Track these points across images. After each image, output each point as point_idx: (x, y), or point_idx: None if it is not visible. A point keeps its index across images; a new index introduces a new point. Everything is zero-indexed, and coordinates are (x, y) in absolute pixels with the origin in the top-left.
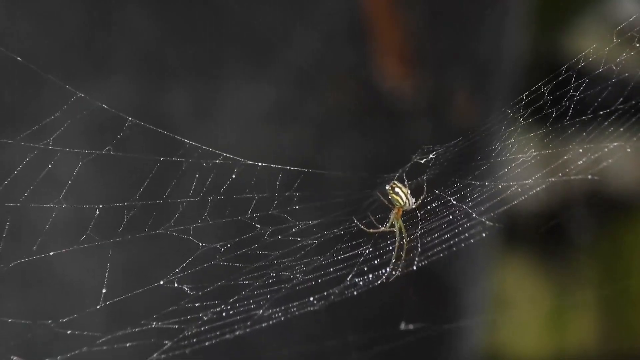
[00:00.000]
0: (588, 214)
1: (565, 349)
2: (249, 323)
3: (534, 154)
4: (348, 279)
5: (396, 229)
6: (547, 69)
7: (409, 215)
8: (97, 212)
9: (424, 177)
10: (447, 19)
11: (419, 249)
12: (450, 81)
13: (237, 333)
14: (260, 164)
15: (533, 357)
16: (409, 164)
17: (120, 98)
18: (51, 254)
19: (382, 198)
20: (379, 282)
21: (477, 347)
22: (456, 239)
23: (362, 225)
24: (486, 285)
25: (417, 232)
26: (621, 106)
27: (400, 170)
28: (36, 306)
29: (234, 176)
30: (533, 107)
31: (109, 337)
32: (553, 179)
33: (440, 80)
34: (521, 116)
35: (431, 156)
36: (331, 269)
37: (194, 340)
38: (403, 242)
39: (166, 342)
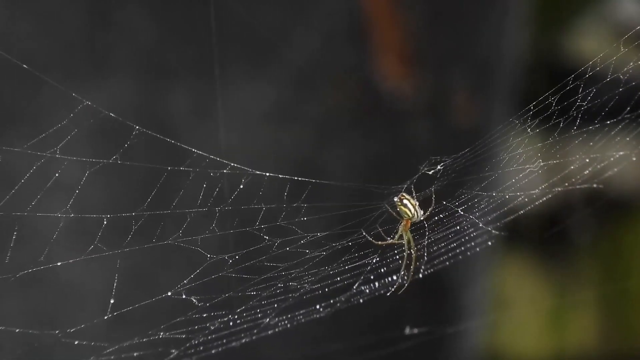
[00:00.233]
0: (588, 214)
1: (565, 349)
2: (255, 331)
3: (542, 164)
4: (354, 287)
5: (404, 241)
6: (547, 69)
7: (416, 226)
8: (105, 222)
9: (432, 189)
10: (447, 19)
11: (425, 258)
12: (450, 81)
13: (243, 341)
14: (267, 174)
15: (533, 357)
16: (416, 176)
17: (120, 98)
18: (59, 264)
19: (390, 210)
20: (389, 293)
21: (477, 347)
22: (462, 248)
23: (370, 237)
24: (486, 286)
25: (424, 242)
26: (628, 115)
27: (408, 182)
28: (43, 316)
29: (241, 186)
30: (541, 117)
31: (116, 347)
32: (560, 189)
33: (440, 80)
34: (529, 127)
35: (439, 167)
36: (338, 278)
37: (201, 348)
38: (412, 254)
39: (173, 350)
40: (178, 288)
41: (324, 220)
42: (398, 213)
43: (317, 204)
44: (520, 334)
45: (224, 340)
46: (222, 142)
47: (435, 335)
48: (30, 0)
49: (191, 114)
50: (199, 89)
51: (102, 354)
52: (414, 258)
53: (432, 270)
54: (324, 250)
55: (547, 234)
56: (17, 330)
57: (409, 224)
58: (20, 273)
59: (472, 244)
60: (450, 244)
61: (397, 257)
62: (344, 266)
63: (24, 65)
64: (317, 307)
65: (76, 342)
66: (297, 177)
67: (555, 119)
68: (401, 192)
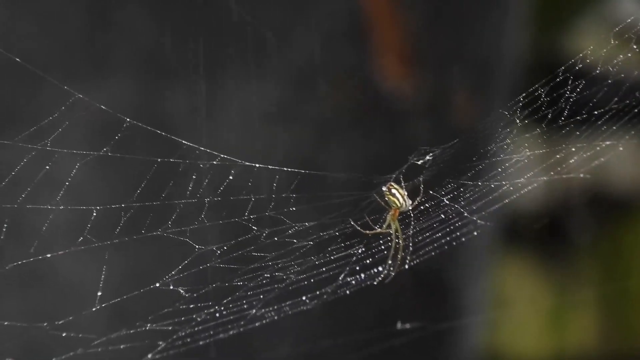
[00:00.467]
0: (588, 214)
1: (565, 349)
2: (242, 323)
3: (528, 153)
4: (340, 278)
5: (392, 231)
6: (547, 69)
7: (402, 216)
8: (95, 214)
9: (421, 179)
10: (447, 19)
11: (411, 248)
12: (450, 81)
13: (230, 333)
14: (257, 165)
15: (533, 357)
16: (405, 165)
17: (120, 98)
18: (48, 255)
19: (378, 199)
20: (376, 283)
21: (477, 346)
22: (448, 238)
23: (358, 226)
24: (486, 285)
25: (409, 232)
26: (615, 106)
27: (397, 172)
28: (32, 308)
29: (231, 177)
30: (530, 109)
31: (104, 339)
32: (545, 178)
33: (440, 80)
34: (518, 118)
35: (428, 157)
36: (324, 269)
37: (188, 340)
38: (399, 244)
39: (160, 342)
40: (166, 279)
41: (314, 211)
42: (386, 202)
43: (307, 194)
44: (520, 334)
45: (211, 332)
46: (222, 142)
47: (435, 335)
48: (30, 0)
49: (191, 114)
50: (199, 89)
51: (90, 345)
52: (401, 247)
53: (417, 260)
54: (311, 240)
55: (538, 225)
56: (5, 323)
57: (397, 213)
58: (10, 265)
59: (458, 233)
60: (435, 233)
61: (383, 247)
62: (330, 256)
63: (17, 59)
64: (304, 298)
65: (64, 334)
66: (300, 182)
67: (544, 110)
68: (390, 181)
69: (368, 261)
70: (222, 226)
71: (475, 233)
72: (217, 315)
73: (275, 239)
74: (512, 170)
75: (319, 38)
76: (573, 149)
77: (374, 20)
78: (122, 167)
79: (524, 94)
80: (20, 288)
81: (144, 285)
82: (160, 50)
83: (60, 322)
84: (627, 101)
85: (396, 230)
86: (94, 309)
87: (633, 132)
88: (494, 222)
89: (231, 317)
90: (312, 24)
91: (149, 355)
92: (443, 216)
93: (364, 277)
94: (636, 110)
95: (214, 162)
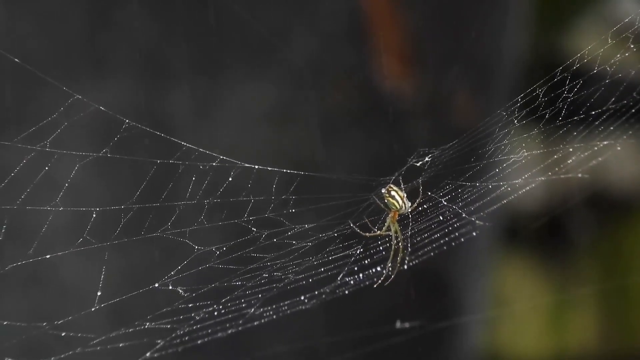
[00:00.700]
0: (588, 214)
1: (565, 349)
2: (240, 322)
3: (525, 154)
4: (339, 279)
5: (392, 232)
6: (547, 69)
7: (401, 217)
8: (94, 215)
9: (420, 180)
10: (447, 19)
11: (409, 249)
12: (450, 81)
13: (229, 332)
14: (256, 166)
15: (533, 357)
16: (405, 167)
17: (120, 98)
18: (48, 256)
19: (377, 201)
20: (376, 285)
21: (477, 346)
22: (446, 238)
23: (357, 228)
24: (486, 285)
25: (407, 233)
26: (612, 106)
27: (397, 174)
28: (31, 308)
29: (230, 179)
30: (527, 109)
31: (103, 338)
32: (543, 178)
33: (440, 80)
34: (515, 118)
35: (427, 159)
36: (322, 269)
37: (186, 338)
38: (399, 245)
39: (159, 341)
40: (165, 279)
41: (313, 213)
42: (386, 205)
43: (306, 196)
44: (520, 334)
45: (209, 331)
46: (222, 142)
47: (435, 335)
48: (30, 0)
49: (191, 115)
50: (199, 89)
51: (89, 344)
52: (400, 249)
53: (416, 261)
54: (310, 242)
55: (536, 225)
56: (4, 323)
57: (397, 215)
58: (9, 266)
59: (457, 234)
60: (434, 234)
61: (381, 248)
62: (328, 257)
63: (16, 60)
64: (302, 298)
65: (63, 334)
66: (300, 184)
67: (542, 110)
68: (389, 183)
69: (366, 262)
70: (221, 227)
71: (474, 233)
72: (216, 314)
73: (275, 240)
74: (509, 170)
75: (319, 38)
76: (571, 149)
77: (374, 20)
78: (121, 168)
79: (521, 95)
80: (20, 288)
81: (143, 286)
82: (160, 51)
83: (59, 322)
84: (625, 101)
85: (395, 233)
86: (93, 309)
87: (630, 132)
88: (493, 222)
89: (229, 316)
90: (312, 24)
91: (147, 354)
92: (441, 217)
93: (363, 277)
94: (633, 110)
95: (214, 164)
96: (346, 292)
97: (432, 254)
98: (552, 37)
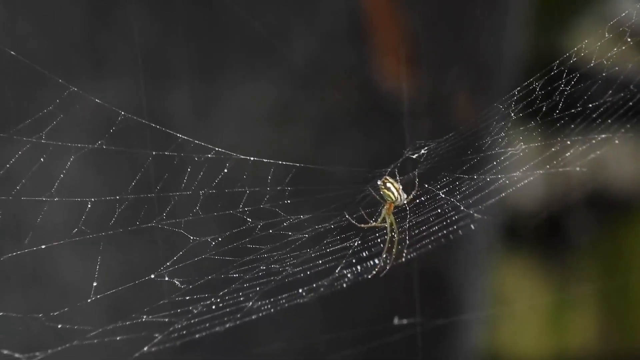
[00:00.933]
0: (588, 214)
1: (565, 349)
2: (238, 315)
3: (523, 147)
4: (337, 271)
5: (387, 224)
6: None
7: (398, 209)
8: (89, 206)
9: (415, 172)
10: (447, 19)
11: (407, 242)
12: (450, 81)
13: (227, 325)
14: (252, 158)
15: (533, 357)
16: (400, 159)
17: (120, 98)
18: (43, 247)
19: (373, 193)
20: (371, 276)
21: (477, 345)
22: (444, 232)
23: (353, 220)
24: (486, 284)
25: (405, 225)
26: (610, 99)
27: (392, 166)
28: (28, 300)
29: (225, 170)
30: (524, 102)
31: (100, 330)
32: (541, 171)
33: (440, 80)
34: (512, 111)
35: (423, 151)
36: (320, 262)
37: (184, 332)
38: (394, 237)
39: (156, 335)
40: (161, 270)
41: (308, 204)
42: (381, 196)
43: (302, 187)
44: (520, 334)
45: (207, 325)
46: (222, 142)
47: (434, 333)
48: (30, 0)
49: (191, 114)
50: (199, 89)
51: (86, 337)
52: (395, 241)
53: (413, 254)
54: (306, 233)
55: (535, 222)
56: (0, 314)
57: (392, 207)
58: (4, 257)
59: (455, 227)
60: (432, 227)
61: (379, 240)
62: (326, 249)
63: (12, 52)
64: (300, 291)
65: (59, 326)
66: (295, 177)
67: (539, 103)
68: (384, 175)
69: (364, 254)
70: (217, 218)
71: (472, 227)
72: (214, 307)
73: (270, 231)
74: (507, 163)
75: (319, 38)
76: (568, 142)
77: (374, 20)
78: (117, 159)
79: (518, 88)
80: (15, 279)
81: (139, 277)
82: (160, 51)
83: (55, 314)
84: (622, 94)
85: (391, 224)
86: (89, 300)
87: (629, 126)
88: (491, 215)
89: (227, 310)
90: (312, 24)
91: (145, 348)
92: (439, 210)
93: (360, 270)
94: (631, 104)
95: (209, 155)
96: (344, 285)
97: (429, 247)
98: (552, 37)
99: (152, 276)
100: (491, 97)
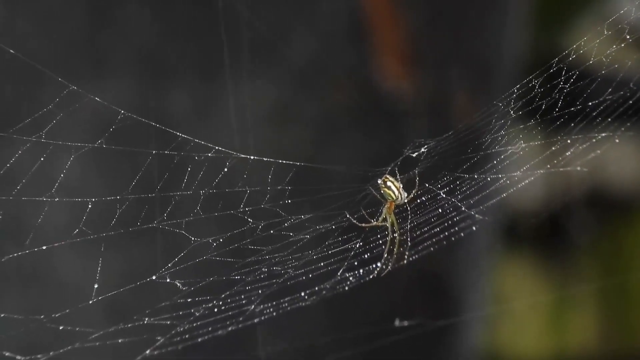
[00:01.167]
0: (588, 213)
1: (565, 349)
2: (241, 319)
3: (523, 145)
4: (339, 274)
5: (388, 224)
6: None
7: (399, 209)
8: (90, 206)
9: (416, 171)
10: (447, 19)
11: (409, 243)
12: (450, 81)
13: (229, 329)
14: (252, 157)
15: (533, 357)
16: (400, 158)
17: (120, 98)
18: (44, 248)
19: (374, 192)
20: (371, 277)
21: (477, 345)
22: (446, 233)
23: (354, 219)
24: (486, 284)
25: (406, 226)
26: (610, 97)
27: (393, 164)
28: (29, 301)
29: (226, 169)
30: (524, 100)
31: (102, 332)
32: (542, 171)
33: (440, 80)
34: (512, 109)
35: (423, 150)
36: (322, 264)
37: (186, 336)
38: (395, 237)
39: (159, 338)
40: (162, 272)
41: (309, 204)
42: (382, 195)
43: (303, 187)
44: (520, 333)
45: (210, 328)
46: (222, 141)
47: (434, 334)
48: (30, 0)
49: (191, 114)
50: (199, 89)
51: (87, 339)
52: (397, 241)
53: (416, 256)
54: (308, 233)
55: (535, 221)
56: (1, 316)
57: (393, 206)
58: (5, 257)
59: (456, 228)
60: (433, 228)
61: (381, 242)
62: (327, 251)
63: (11, 51)
64: (302, 294)
65: (61, 327)
66: (296, 176)
67: (538, 101)
68: (385, 174)
69: (366, 256)
70: (217, 218)
71: (474, 228)
72: (216, 310)
73: (272, 232)
74: (507, 162)
75: (319, 38)
76: (569, 141)
77: (374, 20)
78: (117, 159)
79: (517, 85)
80: (17, 281)
81: (140, 278)
82: (159, 49)
83: (57, 315)
84: (622, 92)
85: (392, 224)
86: (90, 302)
87: (629, 124)
88: (492, 216)
89: (230, 313)
90: (312, 24)
91: (147, 351)
92: (440, 210)
93: (363, 272)
94: (631, 102)
95: (209, 155)
96: (346, 288)
97: (432, 249)
98: (552, 37)
99: (154, 278)
100: (491, 96)
